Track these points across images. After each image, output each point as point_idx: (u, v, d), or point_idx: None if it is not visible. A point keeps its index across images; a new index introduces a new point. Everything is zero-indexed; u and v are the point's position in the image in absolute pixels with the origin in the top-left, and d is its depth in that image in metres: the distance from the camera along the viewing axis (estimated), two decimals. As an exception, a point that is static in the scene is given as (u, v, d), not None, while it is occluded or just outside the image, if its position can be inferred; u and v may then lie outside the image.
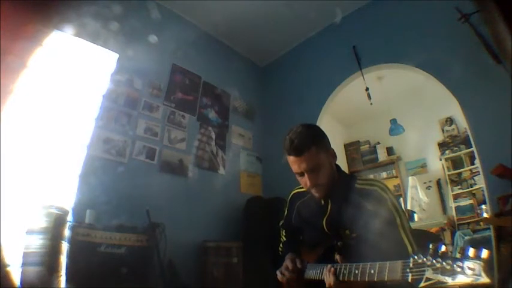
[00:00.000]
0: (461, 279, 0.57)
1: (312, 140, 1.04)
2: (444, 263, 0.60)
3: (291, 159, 1.06)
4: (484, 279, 0.54)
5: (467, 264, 0.57)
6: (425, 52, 2.62)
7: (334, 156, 1.13)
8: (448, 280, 0.58)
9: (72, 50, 2.40)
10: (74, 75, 2.39)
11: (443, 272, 0.59)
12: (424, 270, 0.63)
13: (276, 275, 1.18)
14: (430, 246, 0.64)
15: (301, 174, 1.06)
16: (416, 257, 0.66)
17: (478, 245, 0.60)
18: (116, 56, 2.70)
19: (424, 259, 0.64)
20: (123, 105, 2.67)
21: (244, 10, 3.31)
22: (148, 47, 2.82)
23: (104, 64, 2.64)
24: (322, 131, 1.14)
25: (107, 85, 2.60)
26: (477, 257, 0.57)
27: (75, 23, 2.31)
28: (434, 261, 0.62)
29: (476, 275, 0.55)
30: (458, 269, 0.57)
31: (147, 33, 2.83)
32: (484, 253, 0.56)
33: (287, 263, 1.15)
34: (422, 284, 0.62)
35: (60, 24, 2.26)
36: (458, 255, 0.59)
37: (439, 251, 0.62)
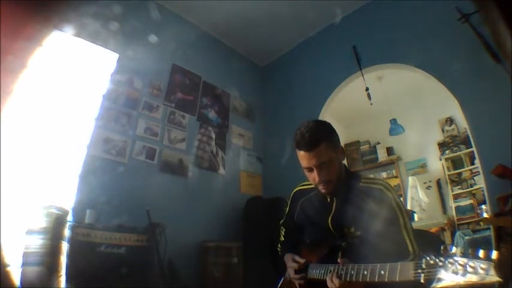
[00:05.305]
0: (473, 278, 0.58)
1: (323, 136, 1.04)
2: (457, 264, 0.61)
3: (301, 154, 1.05)
4: (496, 277, 0.56)
5: (480, 264, 0.58)
6: (425, 52, 2.62)
7: (343, 153, 1.12)
8: (460, 280, 0.59)
9: (72, 50, 2.40)
10: (74, 75, 2.39)
11: (456, 272, 0.60)
12: (436, 271, 0.63)
13: (277, 276, 1.18)
14: (442, 247, 0.64)
15: (310, 169, 1.05)
16: (428, 258, 0.66)
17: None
18: (116, 56, 2.70)
19: (437, 260, 0.64)
20: (123, 105, 2.67)
21: (244, 10, 3.31)
22: (149, 47, 2.82)
23: (104, 64, 2.63)
24: (333, 128, 1.13)
25: (107, 85, 2.60)
26: (488, 257, 0.58)
27: (75, 23, 2.31)
28: (446, 262, 0.62)
29: (488, 274, 0.57)
30: (471, 269, 0.58)
31: (147, 33, 2.83)
32: (494, 254, 0.58)
33: (291, 264, 1.14)
34: (434, 284, 0.63)
35: (60, 24, 2.26)
36: (469, 256, 0.61)
37: (451, 252, 0.63)
